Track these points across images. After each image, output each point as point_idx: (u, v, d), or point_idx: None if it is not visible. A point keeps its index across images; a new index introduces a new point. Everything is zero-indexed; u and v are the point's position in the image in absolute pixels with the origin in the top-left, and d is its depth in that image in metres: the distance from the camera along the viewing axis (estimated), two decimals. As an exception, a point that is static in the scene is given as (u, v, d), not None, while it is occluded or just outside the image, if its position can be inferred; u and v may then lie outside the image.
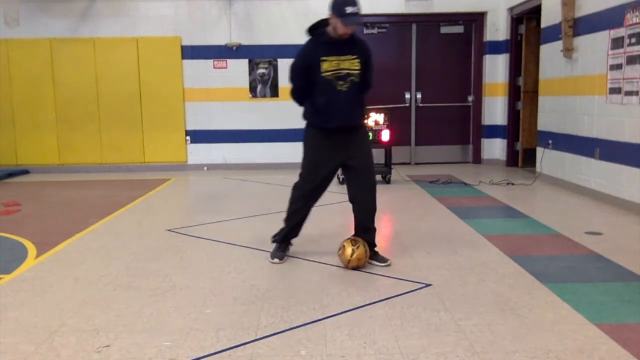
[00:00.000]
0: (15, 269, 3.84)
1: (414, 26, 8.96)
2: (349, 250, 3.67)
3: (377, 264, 3.78)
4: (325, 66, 3.62)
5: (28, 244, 4.51)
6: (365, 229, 3.84)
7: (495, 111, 8.86)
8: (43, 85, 8.69)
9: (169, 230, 4.91)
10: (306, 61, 3.68)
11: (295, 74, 3.78)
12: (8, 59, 8.63)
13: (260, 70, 8.79)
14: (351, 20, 3.51)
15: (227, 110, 8.84)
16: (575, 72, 6.37)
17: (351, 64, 3.63)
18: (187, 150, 8.95)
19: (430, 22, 8.94)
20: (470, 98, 9.07)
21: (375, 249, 3.89)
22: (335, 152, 3.74)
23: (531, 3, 7.70)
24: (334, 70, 3.61)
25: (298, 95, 3.85)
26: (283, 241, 4.02)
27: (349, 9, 3.48)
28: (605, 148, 5.74)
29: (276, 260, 3.91)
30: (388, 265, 3.76)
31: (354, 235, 3.84)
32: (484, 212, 5.54)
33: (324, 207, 5.86)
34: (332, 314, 2.98)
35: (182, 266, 3.89)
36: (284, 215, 4.03)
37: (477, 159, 9.13)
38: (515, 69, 8.44)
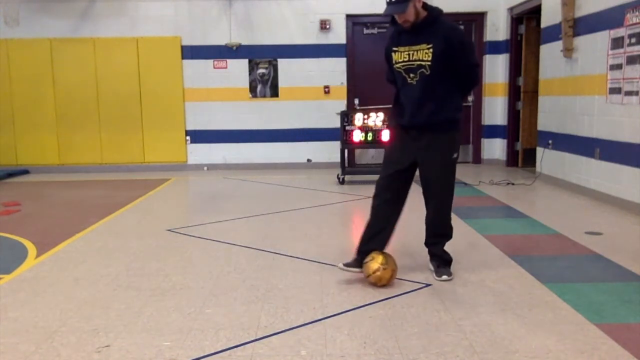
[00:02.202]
0: (15, 269, 3.84)
1: (414, 26, 8.95)
2: (374, 266, 3.31)
3: (445, 277, 3.44)
4: (395, 57, 3.35)
5: (28, 244, 4.51)
6: (426, 241, 3.58)
7: (495, 111, 8.86)
8: (43, 85, 8.68)
9: (169, 230, 4.91)
10: (385, 51, 3.43)
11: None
12: (8, 59, 8.63)
13: (260, 70, 8.79)
14: (387, 10, 3.24)
15: (227, 110, 8.84)
16: (575, 72, 6.37)
17: (424, 54, 3.24)
18: (187, 150, 8.94)
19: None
20: (470, 98, 9.07)
21: (438, 262, 3.52)
22: (407, 152, 3.39)
23: (531, 3, 7.70)
24: (405, 61, 3.30)
25: (393, 86, 3.51)
26: (358, 248, 3.52)
27: None
28: (605, 148, 5.74)
29: (340, 265, 3.50)
30: (451, 278, 3.44)
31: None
32: (484, 212, 5.54)
33: (324, 207, 5.87)
34: (332, 314, 2.98)
35: (182, 266, 3.89)
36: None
37: (477, 159, 9.13)
38: (515, 69, 8.44)
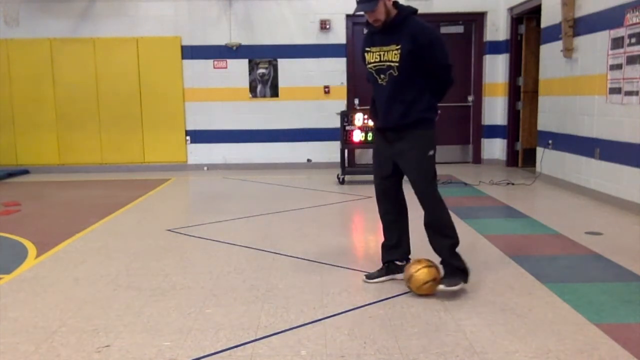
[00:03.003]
0: (15, 269, 3.84)
1: (414, 26, 8.95)
2: (426, 277, 3.17)
3: (442, 287, 3.19)
4: (367, 58, 3.29)
5: (28, 244, 4.51)
6: (431, 244, 3.38)
7: (495, 111, 8.86)
8: (43, 85, 8.68)
9: (169, 230, 4.91)
10: (362, 52, 3.36)
11: None
12: (8, 59, 8.63)
13: (260, 70, 8.79)
14: (357, 9, 3.17)
15: (227, 110, 8.84)
16: (575, 72, 6.37)
17: (393, 55, 3.17)
18: (187, 150, 8.94)
19: (430, 22, 8.76)
20: (470, 98, 9.07)
21: (442, 269, 3.31)
22: (386, 154, 3.35)
23: (531, 3, 7.70)
24: (376, 62, 3.24)
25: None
26: (382, 259, 3.51)
27: None
28: (605, 148, 5.74)
29: (365, 279, 3.49)
30: (453, 289, 3.21)
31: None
32: (484, 212, 5.54)
33: (324, 207, 5.87)
34: (332, 314, 2.98)
35: (182, 266, 3.89)
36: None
37: (477, 159, 9.13)
38: (515, 69, 8.44)
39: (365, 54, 3.31)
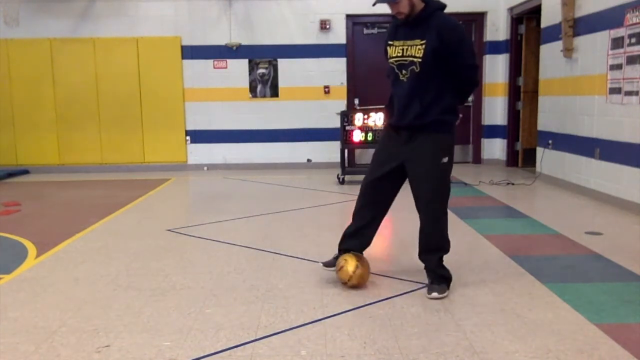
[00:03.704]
0: (15, 269, 3.84)
1: (414, 26, 8.95)
2: (350, 267, 3.25)
3: (435, 295, 3.14)
4: (390, 52, 3.15)
5: (28, 244, 4.50)
6: (419, 254, 3.31)
7: (495, 111, 8.86)
8: (43, 85, 8.68)
9: (169, 230, 4.91)
10: (384, 45, 3.22)
11: None
12: (8, 59, 8.63)
13: (260, 70, 8.79)
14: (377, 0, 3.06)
15: (227, 110, 8.84)
16: (575, 72, 6.37)
17: (416, 50, 3.03)
18: (187, 150, 8.94)
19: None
20: (470, 98, 9.07)
21: (433, 279, 3.23)
22: (394, 153, 3.20)
23: (531, 3, 7.70)
24: (398, 57, 3.10)
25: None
26: (339, 247, 3.46)
27: None
28: (605, 148, 5.74)
29: (320, 265, 3.52)
30: (443, 296, 3.15)
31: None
32: (484, 212, 5.54)
33: (324, 207, 5.87)
34: (332, 314, 2.98)
35: (182, 266, 3.89)
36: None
37: (477, 159, 9.13)
38: (515, 69, 8.44)
39: (388, 47, 3.16)
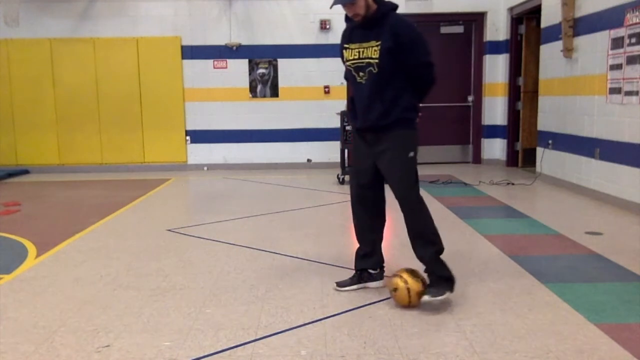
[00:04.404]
0: (15, 269, 3.84)
1: (414, 26, 8.96)
2: (415, 286, 3.02)
3: (427, 298, 3.03)
4: (346, 55, 3.15)
5: (28, 244, 4.51)
6: (415, 252, 3.21)
7: (495, 111, 8.86)
8: (43, 85, 8.68)
9: (169, 230, 4.91)
10: (340, 49, 3.23)
11: None
12: (8, 59, 8.63)
13: (260, 70, 8.79)
14: (335, 1, 3.00)
15: (227, 110, 8.84)
16: (575, 72, 6.37)
17: (372, 52, 3.03)
18: (187, 150, 8.94)
19: (430, 22, 8.93)
20: (470, 98, 9.07)
21: (428, 281, 3.11)
22: (366, 157, 3.21)
23: (531, 3, 7.70)
24: (355, 59, 3.10)
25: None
26: (355, 266, 3.38)
27: None
28: (605, 148, 5.74)
29: (336, 287, 3.36)
30: (438, 299, 3.04)
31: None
32: (484, 212, 5.54)
33: (323, 207, 5.87)
34: (332, 314, 2.98)
35: (182, 266, 3.89)
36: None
37: (477, 159, 9.13)
38: (515, 69, 8.44)
39: (344, 51, 3.16)
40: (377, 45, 3.00)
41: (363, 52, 3.06)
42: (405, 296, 3.02)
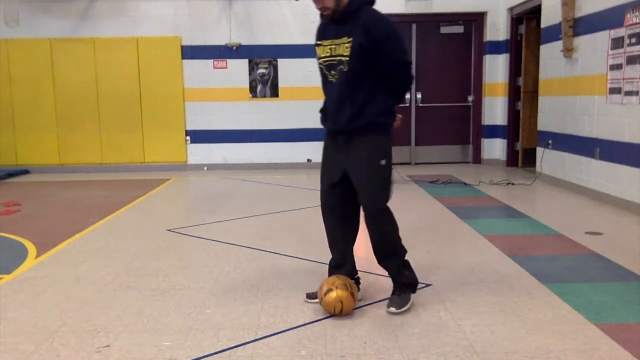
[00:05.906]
0: (15, 269, 3.84)
1: (414, 26, 8.96)
2: (342, 293, 2.89)
3: (393, 310, 2.94)
4: (318, 52, 2.96)
5: (28, 244, 4.51)
6: (377, 261, 3.08)
7: (495, 111, 8.86)
8: (43, 85, 8.68)
9: (169, 230, 4.91)
10: (314, 46, 3.04)
11: None
12: (8, 59, 8.63)
13: (260, 70, 8.79)
14: None
15: (227, 110, 8.84)
16: (575, 72, 6.37)
17: (344, 49, 2.81)
18: (187, 150, 8.94)
19: (430, 22, 8.94)
20: (470, 98, 9.07)
21: (395, 293, 3.03)
22: (335, 160, 3.05)
23: (531, 3, 7.70)
24: (327, 57, 2.90)
25: None
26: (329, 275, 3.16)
27: None
28: (605, 148, 5.74)
29: (306, 298, 3.17)
30: (404, 310, 2.98)
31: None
32: (484, 212, 5.54)
33: (324, 207, 5.87)
34: (332, 314, 2.98)
35: (182, 266, 3.89)
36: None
37: (477, 159, 9.13)
38: (515, 69, 8.44)
39: (317, 47, 2.96)
40: (348, 42, 2.78)
41: (335, 49, 2.85)
42: (334, 302, 2.88)
